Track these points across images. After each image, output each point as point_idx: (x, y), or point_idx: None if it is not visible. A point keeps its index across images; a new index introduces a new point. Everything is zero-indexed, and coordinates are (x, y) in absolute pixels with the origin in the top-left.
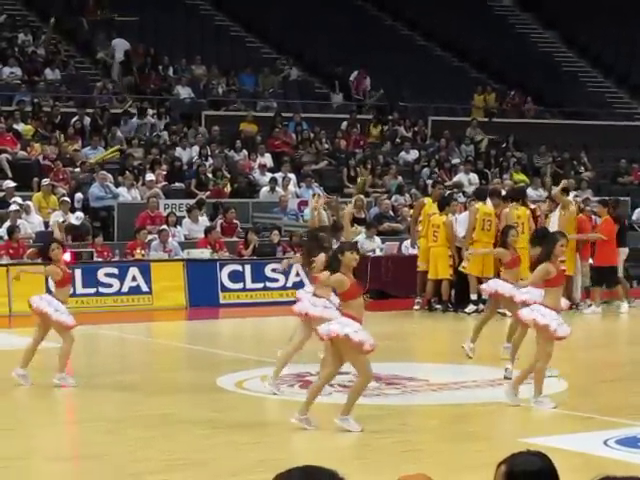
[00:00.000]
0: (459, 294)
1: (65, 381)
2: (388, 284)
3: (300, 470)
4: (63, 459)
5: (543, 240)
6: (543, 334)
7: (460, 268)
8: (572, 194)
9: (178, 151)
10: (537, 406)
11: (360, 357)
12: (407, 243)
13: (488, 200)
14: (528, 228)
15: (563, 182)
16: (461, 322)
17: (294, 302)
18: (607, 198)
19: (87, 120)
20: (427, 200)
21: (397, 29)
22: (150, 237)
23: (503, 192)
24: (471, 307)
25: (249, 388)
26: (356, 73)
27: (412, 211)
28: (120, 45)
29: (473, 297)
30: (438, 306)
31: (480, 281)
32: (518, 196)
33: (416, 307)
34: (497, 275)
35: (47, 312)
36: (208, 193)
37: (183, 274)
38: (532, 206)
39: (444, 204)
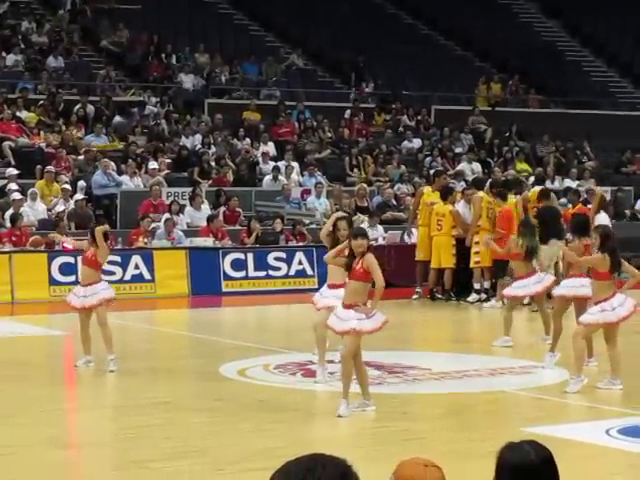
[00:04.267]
0: (461, 284)
1: (114, 364)
2: (390, 273)
3: (309, 457)
4: (66, 446)
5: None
6: None
7: (472, 265)
8: (575, 184)
9: (183, 139)
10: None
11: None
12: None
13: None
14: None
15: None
16: (463, 311)
17: (297, 290)
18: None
19: (90, 108)
20: (426, 189)
21: (401, 18)
22: (153, 225)
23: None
24: (474, 296)
25: (252, 376)
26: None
27: (413, 200)
28: None
29: (477, 286)
30: (440, 296)
31: (483, 271)
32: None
33: (415, 297)
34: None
35: (69, 302)
36: (210, 182)
37: (186, 262)
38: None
39: (447, 193)
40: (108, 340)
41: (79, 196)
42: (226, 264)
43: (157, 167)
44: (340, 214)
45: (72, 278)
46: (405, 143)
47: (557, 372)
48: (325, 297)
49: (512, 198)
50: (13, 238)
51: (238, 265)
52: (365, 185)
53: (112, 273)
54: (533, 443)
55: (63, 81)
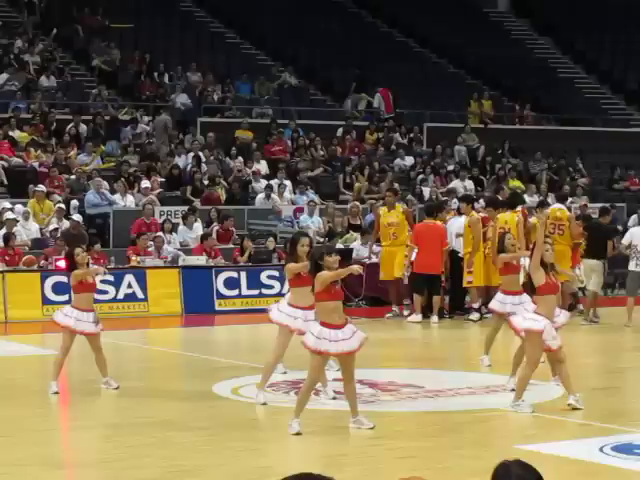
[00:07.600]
0: (454, 301)
1: (109, 384)
2: (383, 291)
3: (297, 478)
4: (60, 466)
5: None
6: (532, 340)
7: (465, 284)
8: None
9: (176, 158)
10: (515, 409)
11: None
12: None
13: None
14: (517, 234)
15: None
16: (457, 329)
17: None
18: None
19: (83, 127)
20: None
21: (393, 36)
22: (149, 243)
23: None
24: (476, 315)
25: (245, 395)
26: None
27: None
28: None
29: (475, 305)
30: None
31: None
32: (510, 203)
33: (389, 315)
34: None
35: (69, 324)
36: (201, 200)
37: (179, 281)
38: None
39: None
40: (105, 363)
41: (76, 216)
42: (219, 282)
43: (150, 186)
44: (302, 231)
45: (65, 297)
46: (397, 161)
47: (550, 389)
48: (306, 321)
49: (505, 216)
50: (6, 257)
51: (231, 283)
52: (358, 203)
53: (105, 292)
54: (526, 464)
55: (55, 100)
